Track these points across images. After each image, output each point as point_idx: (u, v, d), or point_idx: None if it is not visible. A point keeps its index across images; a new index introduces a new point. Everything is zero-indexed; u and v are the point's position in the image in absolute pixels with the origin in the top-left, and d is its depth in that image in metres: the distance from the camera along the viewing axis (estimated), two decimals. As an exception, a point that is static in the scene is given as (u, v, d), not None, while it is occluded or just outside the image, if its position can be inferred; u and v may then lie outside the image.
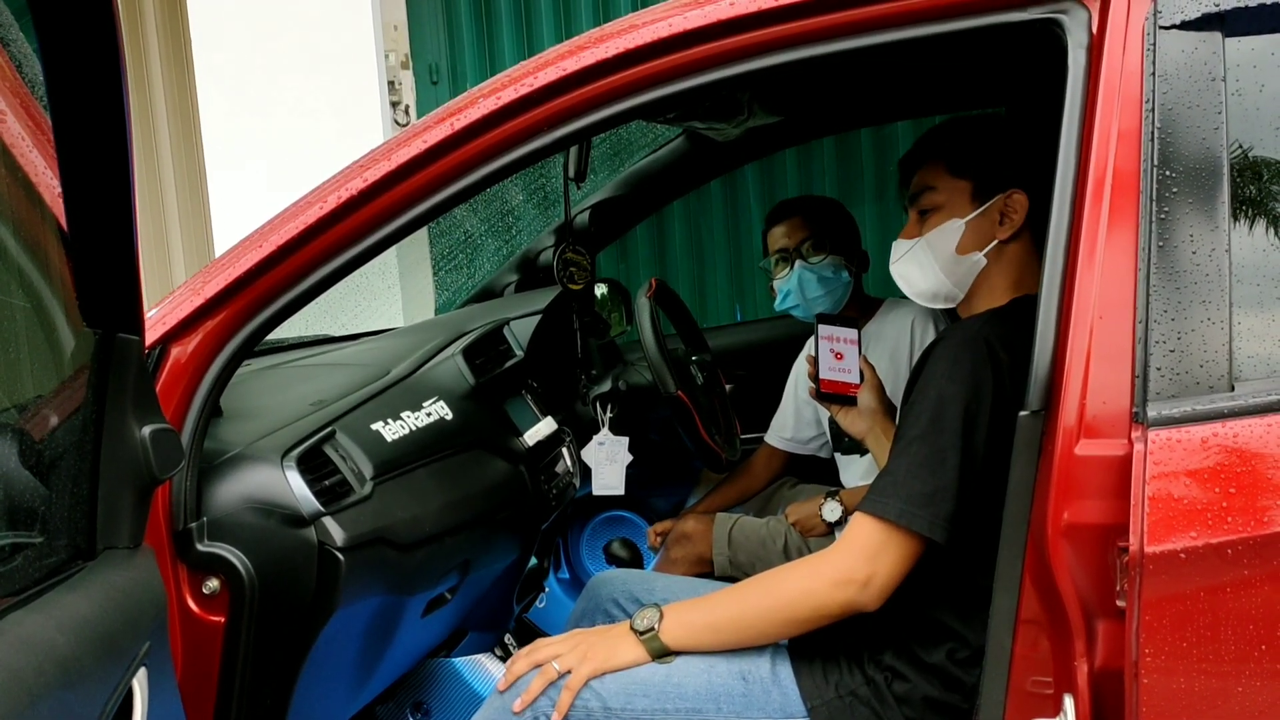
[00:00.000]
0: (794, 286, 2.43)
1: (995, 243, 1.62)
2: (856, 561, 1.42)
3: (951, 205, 1.65)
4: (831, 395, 1.91)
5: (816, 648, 1.55)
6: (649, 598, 1.78)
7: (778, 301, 2.49)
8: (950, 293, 1.67)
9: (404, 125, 3.77)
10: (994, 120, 1.73)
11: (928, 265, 1.67)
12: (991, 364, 1.43)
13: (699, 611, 1.53)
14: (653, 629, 1.52)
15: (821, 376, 1.91)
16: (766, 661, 1.54)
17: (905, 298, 2.51)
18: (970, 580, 1.45)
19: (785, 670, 1.53)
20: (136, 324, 1.08)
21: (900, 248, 1.71)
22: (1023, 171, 1.62)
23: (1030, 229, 1.61)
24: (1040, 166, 1.56)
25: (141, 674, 1.03)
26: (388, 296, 3.56)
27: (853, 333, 1.92)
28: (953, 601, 1.48)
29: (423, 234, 3.48)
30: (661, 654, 1.52)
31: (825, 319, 1.93)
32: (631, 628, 1.53)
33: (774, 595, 1.48)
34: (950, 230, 1.64)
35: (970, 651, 1.46)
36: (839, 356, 1.91)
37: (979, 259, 1.63)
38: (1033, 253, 1.62)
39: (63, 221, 1.04)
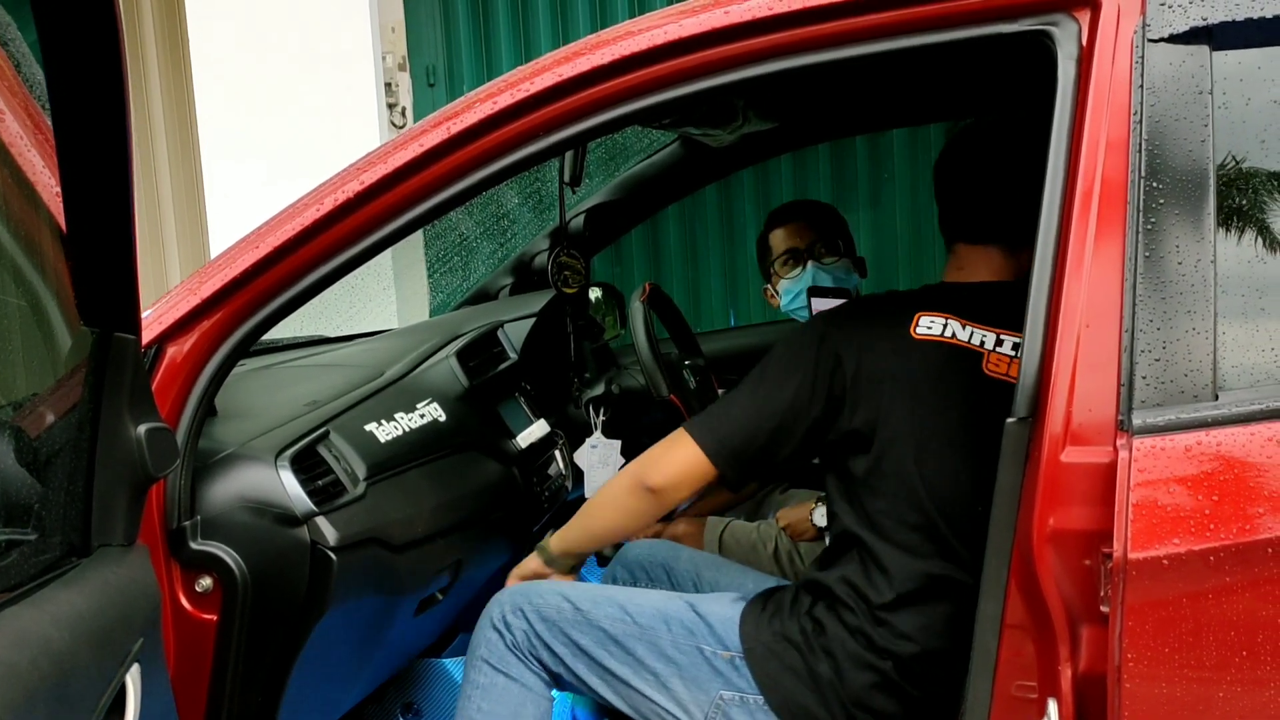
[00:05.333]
0: (805, 287, 2.42)
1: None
2: (658, 446, 1.68)
3: None
4: None
5: (767, 597, 1.66)
6: (675, 564, 1.96)
7: (785, 302, 2.47)
8: None
9: (400, 127, 3.78)
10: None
11: None
12: (818, 339, 1.59)
13: (576, 516, 1.79)
14: (541, 542, 1.83)
15: None
16: (718, 602, 1.68)
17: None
18: (866, 541, 1.56)
19: (733, 612, 1.65)
20: (133, 323, 1.09)
21: None
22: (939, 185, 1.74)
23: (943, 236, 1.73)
24: (937, 184, 1.71)
25: (135, 670, 1.04)
26: (382, 298, 3.56)
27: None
28: (860, 563, 1.57)
29: (418, 236, 3.48)
30: (549, 559, 1.81)
31: (818, 291, 1.92)
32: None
33: (616, 481, 1.74)
34: None
35: (877, 611, 1.54)
36: None
37: None
38: (949, 253, 1.73)
39: (60, 221, 1.05)
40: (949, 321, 1.56)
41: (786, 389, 1.59)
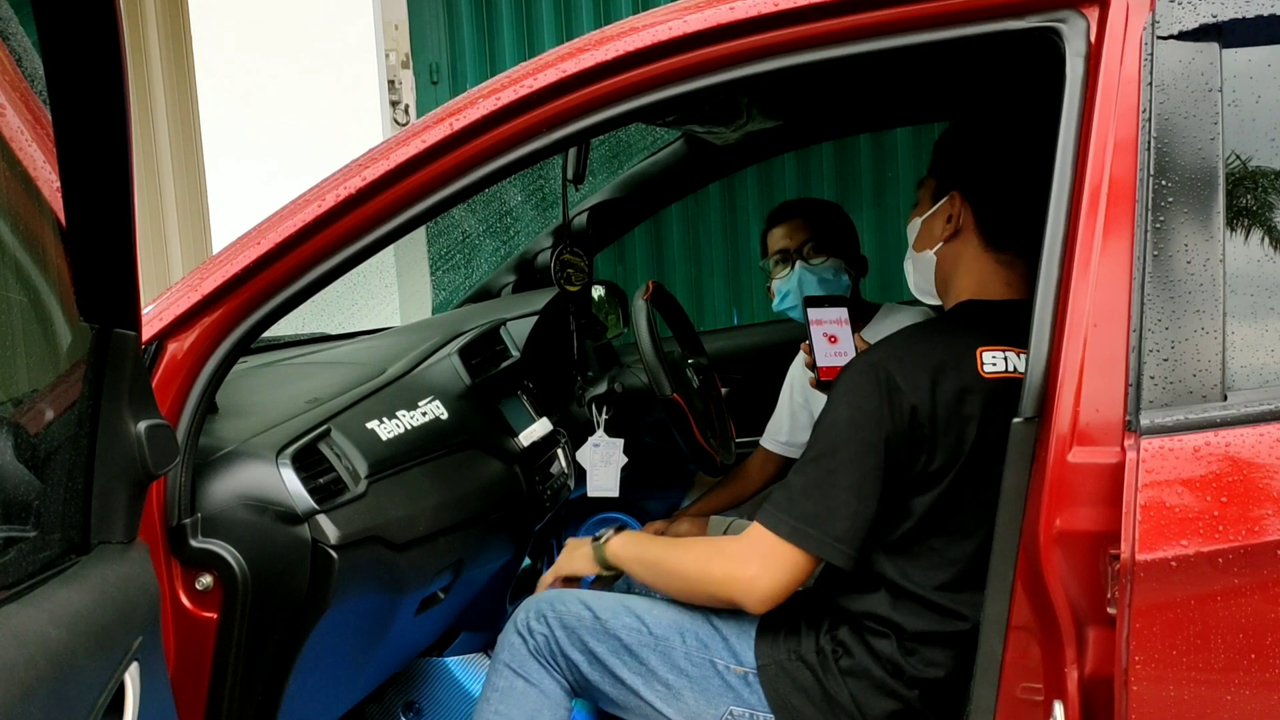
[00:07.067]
0: (793, 287, 2.43)
1: (941, 243, 1.65)
2: (748, 565, 1.51)
3: (922, 203, 1.71)
4: (832, 383, 1.88)
5: (785, 615, 1.61)
6: None
7: (776, 302, 2.49)
8: (920, 285, 1.72)
9: (404, 125, 3.77)
10: (972, 123, 1.73)
11: (906, 259, 1.75)
12: (885, 391, 1.48)
13: (643, 545, 1.70)
14: (603, 538, 1.74)
15: (819, 364, 1.86)
16: (735, 615, 1.63)
17: (902, 304, 2.54)
18: (899, 584, 1.51)
19: (750, 627, 1.62)
20: (133, 319, 1.09)
21: None
22: (967, 175, 1.64)
23: (981, 233, 1.62)
24: (987, 172, 1.62)
25: (134, 668, 1.03)
26: (385, 295, 3.56)
27: (842, 311, 1.88)
28: (889, 599, 1.53)
29: (420, 233, 3.48)
30: (603, 563, 1.73)
31: (813, 301, 1.90)
32: (594, 538, 1.76)
33: (691, 562, 1.60)
34: (914, 227, 1.72)
35: (908, 641, 1.52)
36: (833, 340, 1.87)
37: (930, 256, 1.67)
38: (986, 257, 1.62)
39: (61, 216, 1.04)
40: (1008, 355, 1.51)
41: (874, 456, 1.47)
